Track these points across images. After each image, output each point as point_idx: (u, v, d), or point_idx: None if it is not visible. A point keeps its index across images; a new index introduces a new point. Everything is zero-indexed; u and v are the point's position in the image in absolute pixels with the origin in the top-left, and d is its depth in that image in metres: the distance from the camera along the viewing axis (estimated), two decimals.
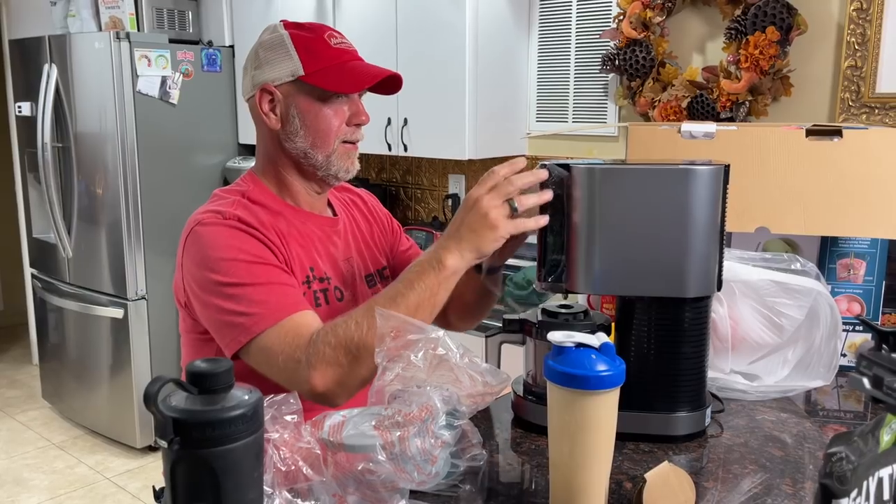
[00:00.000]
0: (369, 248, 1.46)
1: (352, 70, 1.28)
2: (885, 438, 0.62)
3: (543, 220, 1.13)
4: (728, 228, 1.15)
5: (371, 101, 1.36)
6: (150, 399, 0.70)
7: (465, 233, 1.12)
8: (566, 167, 1.12)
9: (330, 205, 1.44)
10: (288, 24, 1.30)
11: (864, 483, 0.61)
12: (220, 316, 1.18)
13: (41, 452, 3.55)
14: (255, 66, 1.31)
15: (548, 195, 1.13)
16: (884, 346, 0.62)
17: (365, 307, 1.13)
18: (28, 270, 4.18)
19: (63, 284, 3.67)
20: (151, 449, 3.51)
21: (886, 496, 0.60)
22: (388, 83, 1.32)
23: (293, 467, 0.91)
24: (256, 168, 1.38)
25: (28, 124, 3.65)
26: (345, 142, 1.31)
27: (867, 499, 0.61)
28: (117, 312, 3.41)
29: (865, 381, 0.56)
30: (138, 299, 3.41)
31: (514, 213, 1.11)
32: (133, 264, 3.38)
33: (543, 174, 1.13)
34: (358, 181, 2.22)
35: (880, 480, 0.62)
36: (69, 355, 3.73)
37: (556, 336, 0.95)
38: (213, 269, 1.18)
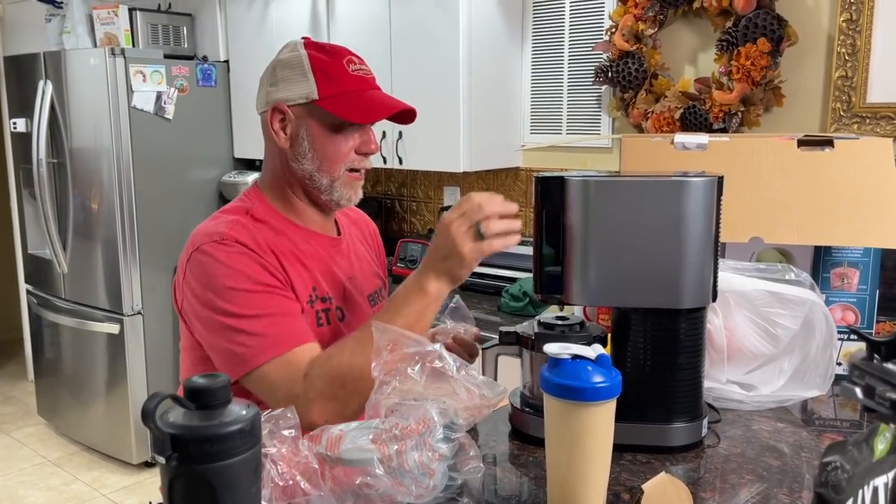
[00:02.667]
0: (370, 267, 1.48)
1: (368, 100, 1.27)
2: (880, 447, 0.63)
3: (513, 240, 1.16)
4: (722, 239, 1.16)
5: None
6: (147, 415, 0.70)
7: (438, 260, 1.16)
8: (561, 179, 1.13)
9: (336, 222, 1.44)
10: (309, 44, 1.29)
11: (860, 492, 0.61)
12: (220, 344, 1.19)
13: (37, 469, 3.53)
14: (271, 83, 1.29)
15: (516, 224, 1.17)
16: (875, 355, 0.63)
17: (357, 335, 1.16)
18: (23, 286, 4.17)
19: (58, 300, 3.66)
20: (148, 465, 3.50)
21: None
22: (403, 114, 1.32)
23: (291, 482, 0.90)
24: (263, 182, 1.37)
25: (23, 140, 3.65)
26: (351, 170, 1.30)
27: None
28: (113, 328, 3.41)
29: (857, 390, 0.57)
30: (134, 314, 3.40)
31: (480, 238, 1.14)
32: (129, 279, 3.38)
33: (513, 207, 1.17)
34: None
35: (875, 489, 0.62)
36: (65, 371, 3.71)
37: (552, 348, 0.95)
38: (213, 298, 1.19)
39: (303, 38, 1.32)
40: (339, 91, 1.26)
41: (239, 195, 1.38)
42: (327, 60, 1.27)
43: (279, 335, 1.17)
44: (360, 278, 1.41)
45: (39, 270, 3.79)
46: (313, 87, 1.25)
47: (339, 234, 1.43)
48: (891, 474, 0.62)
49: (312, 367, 1.15)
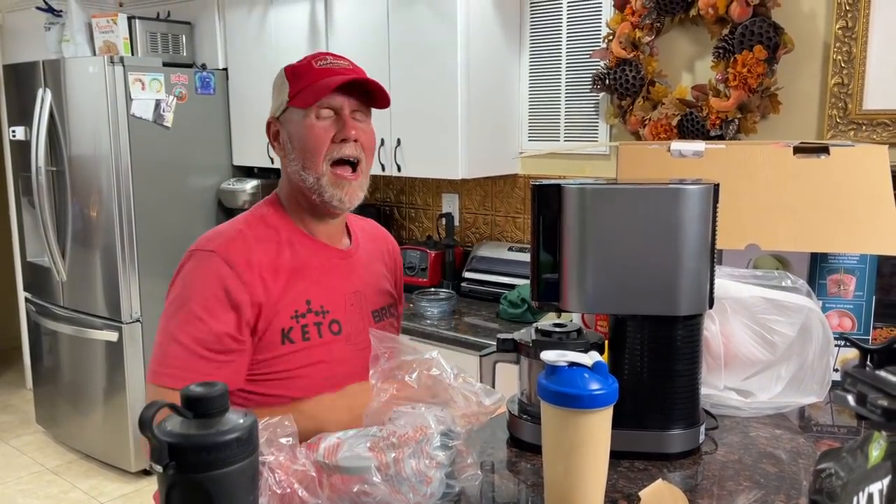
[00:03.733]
0: (382, 283, 1.47)
1: (325, 84, 1.28)
2: (874, 454, 0.63)
3: None
4: (718, 246, 1.16)
5: None
6: (145, 424, 0.70)
7: None
8: (558, 187, 1.14)
9: (349, 233, 1.44)
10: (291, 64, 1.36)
11: (854, 499, 0.62)
12: (155, 339, 1.27)
13: (35, 477, 3.52)
14: (271, 107, 1.38)
15: None
16: (868, 363, 0.63)
17: None
18: (21, 294, 4.17)
19: (57, 308, 3.66)
20: (146, 473, 3.49)
21: None
22: (377, 95, 1.33)
23: (289, 490, 0.91)
24: (280, 193, 1.39)
25: (22, 148, 3.66)
26: (334, 163, 1.30)
27: None
28: (112, 336, 3.40)
29: (850, 397, 0.57)
30: (133, 322, 3.40)
31: None
32: (127, 287, 3.38)
33: None
34: None
35: (870, 496, 0.63)
36: (63, 379, 3.71)
37: (549, 355, 0.96)
38: (171, 300, 1.26)
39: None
40: (304, 84, 1.29)
41: (261, 200, 1.42)
42: (298, 66, 1.33)
43: (180, 368, 1.20)
44: (367, 293, 1.40)
45: (38, 278, 3.79)
46: (286, 92, 1.31)
47: (351, 245, 1.43)
48: (885, 481, 0.63)
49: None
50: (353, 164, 1.32)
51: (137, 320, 3.41)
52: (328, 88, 1.27)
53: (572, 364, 0.94)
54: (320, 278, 1.33)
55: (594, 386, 0.92)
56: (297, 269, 1.30)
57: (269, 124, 1.37)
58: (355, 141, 1.30)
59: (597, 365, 0.94)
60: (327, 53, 1.35)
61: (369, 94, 1.33)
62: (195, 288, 1.24)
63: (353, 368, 1.30)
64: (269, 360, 1.26)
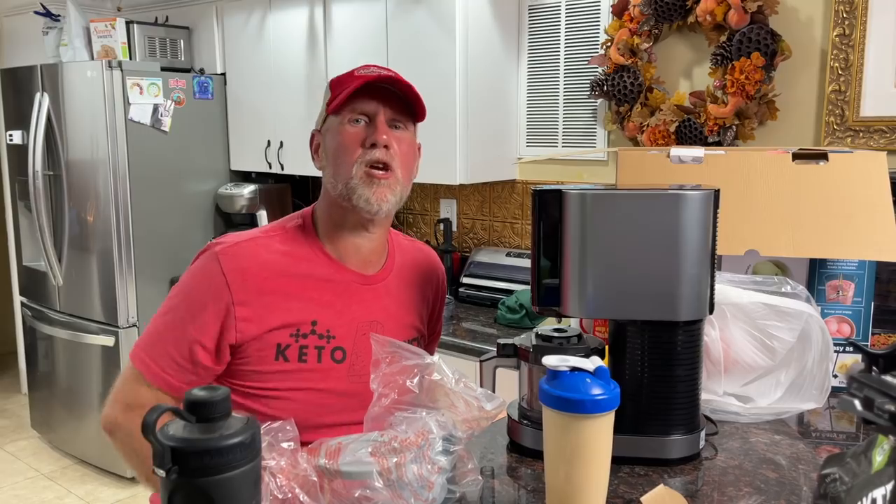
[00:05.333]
0: (409, 316, 1.38)
1: (355, 85, 1.25)
2: (878, 459, 0.63)
3: None
4: (718, 251, 1.17)
5: None
6: (147, 428, 0.70)
7: None
8: (559, 192, 1.14)
9: (389, 255, 1.38)
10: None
11: None
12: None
13: (30, 483, 3.50)
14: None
15: None
16: (874, 367, 0.63)
17: (142, 452, 1.14)
18: (17, 298, 4.16)
19: (53, 312, 3.65)
20: None
21: None
22: (417, 107, 1.29)
23: (290, 495, 0.90)
24: (318, 207, 1.36)
25: (19, 152, 3.65)
26: (367, 167, 1.24)
27: None
28: (108, 340, 3.39)
29: (856, 402, 0.57)
30: (129, 327, 3.39)
31: None
32: (124, 292, 3.37)
33: None
34: None
35: (874, 501, 0.63)
36: (59, 384, 3.69)
37: (551, 360, 0.96)
38: (174, 288, 1.29)
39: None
40: (341, 91, 1.26)
41: (294, 212, 1.40)
42: (342, 77, 1.30)
43: (153, 363, 1.22)
44: (386, 324, 1.32)
45: (34, 283, 3.78)
46: (326, 102, 1.31)
47: (382, 270, 1.36)
48: (889, 486, 0.63)
49: (121, 422, 1.22)
50: (385, 168, 1.26)
51: (134, 325, 3.40)
52: (355, 88, 1.23)
53: (574, 369, 0.95)
54: (333, 301, 1.27)
55: (596, 391, 0.92)
56: (307, 287, 1.26)
57: (312, 136, 1.36)
58: (385, 147, 1.24)
59: (599, 370, 0.94)
60: (373, 65, 1.31)
61: (409, 106, 1.28)
62: (187, 284, 1.26)
63: (350, 402, 1.25)
64: (261, 373, 1.23)
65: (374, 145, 1.24)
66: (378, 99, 1.26)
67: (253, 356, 1.23)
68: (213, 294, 1.22)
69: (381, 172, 1.25)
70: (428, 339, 1.49)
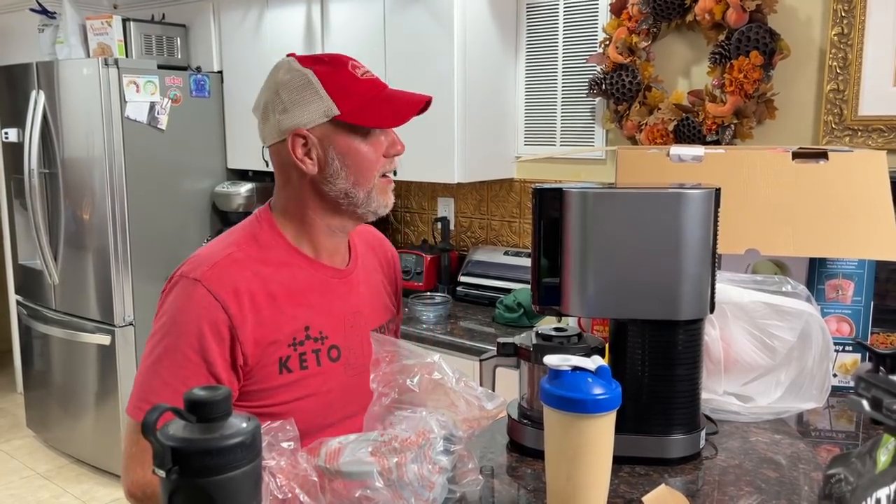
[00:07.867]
0: (381, 298, 1.41)
1: (388, 101, 1.23)
2: (882, 459, 0.63)
3: None
4: (718, 250, 1.16)
5: None
6: (148, 428, 0.69)
7: None
8: (560, 191, 1.13)
9: (350, 248, 1.38)
10: (304, 60, 1.22)
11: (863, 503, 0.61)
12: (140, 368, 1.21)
13: (26, 482, 3.49)
14: (281, 111, 1.21)
15: None
16: (881, 367, 0.63)
17: None
18: (13, 297, 4.14)
19: (49, 311, 3.64)
20: None
21: None
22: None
23: (290, 495, 0.90)
24: (276, 207, 1.30)
25: (15, 150, 3.64)
26: (383, 175, 1.26)
27: None
28: (104, 339, 3.38)
29: (865, 402, 0.57)
30: (125, 325, 3.38)
31: None
32: (120, 290, 3.36)
33: None
34: None
35: (878, 501, 0.62)
36: (55, 383, 3.68)
37: (552, 360, 0.95)
38: (154, 329, 1.21)
39: (288, 55, 1.25)
40: (358, 100, 1.21)
41: (252, 214, 1.32)
42: (334, 72, 1.21)
43: (157, 400, 1.16)
44: (366, 312, 1.34)
45: (30, 281, 3.77)
46: (330, 104, 1.19)
47: (350, 261, 1.36)
48: (893, 486, 0.62)
49: (151, 480, 1.11)
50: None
51: (130, 324, 3.39)
52: (407, 117, 1.23)
53: (575, 368, 0.94)
54: (319, 301, 1.26)
55: (598, 390, 0.92)
56: (293, 294, 1.23)
57: (294, 137, 1.21)
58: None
59: (600, 369, 0.94)
60: (349, 58, 1.26)
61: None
62: (179, 322, 1.16)
63: (350, 396, 1.25)
64: (263, 391, 1.19)
65: (395, 155, 1.28)
66: None
67: (257, 374, 1.19)
68: (209, 320, 1.15)
69: (392, 177, 1.30)
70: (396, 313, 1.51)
